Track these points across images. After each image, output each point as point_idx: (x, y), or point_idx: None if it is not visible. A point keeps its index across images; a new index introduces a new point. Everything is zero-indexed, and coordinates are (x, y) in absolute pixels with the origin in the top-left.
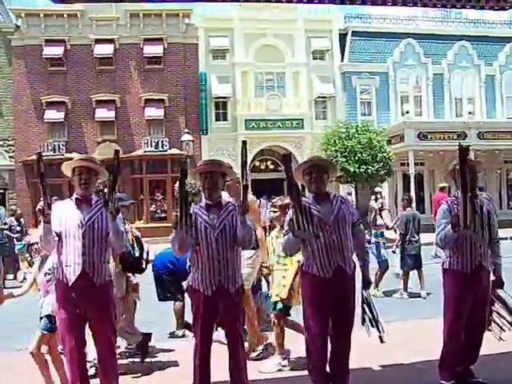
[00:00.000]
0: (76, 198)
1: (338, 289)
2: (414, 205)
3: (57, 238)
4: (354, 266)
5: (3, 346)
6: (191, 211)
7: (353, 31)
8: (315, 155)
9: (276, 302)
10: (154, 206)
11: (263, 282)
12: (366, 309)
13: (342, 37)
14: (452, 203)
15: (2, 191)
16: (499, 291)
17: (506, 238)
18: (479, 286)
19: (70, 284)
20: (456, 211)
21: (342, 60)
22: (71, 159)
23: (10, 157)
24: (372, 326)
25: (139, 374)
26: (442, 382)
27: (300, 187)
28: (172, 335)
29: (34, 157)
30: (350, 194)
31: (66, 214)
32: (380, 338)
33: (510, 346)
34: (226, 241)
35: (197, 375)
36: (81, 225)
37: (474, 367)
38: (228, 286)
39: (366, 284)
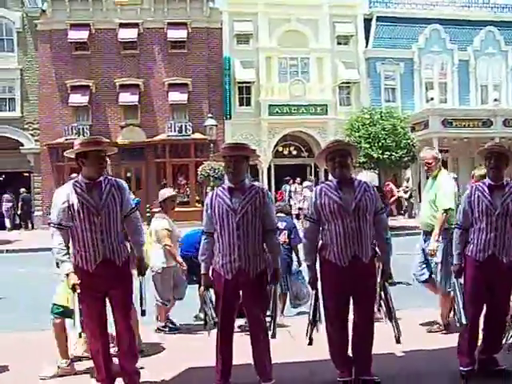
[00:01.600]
0: (86, 183)
1: (354, 277)
2: None
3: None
4: (373, 255)
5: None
6: (214, 194)
7: (377, 16)
8: (336, 139)
9: None
10: (176, 190)
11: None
12: (383, 301)
13: (367, 22)
14: (476, 189)
15: (27, 174)
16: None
17: None
18: (494, 275)
19: (91, 270)
20: (476, 197)
21: (367, 46)
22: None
23: (36, 140)
24: (390, 319)
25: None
26: (461, 368)
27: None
28: (196, 318)
29: (59, 140)
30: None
31: (75, 201)
32: (396, 338)
33: None
34: (248, 226)
35: (219, 358)
36: (96, 211)
37: (498, 356)
38: (248, 271)
39: (385, 275)
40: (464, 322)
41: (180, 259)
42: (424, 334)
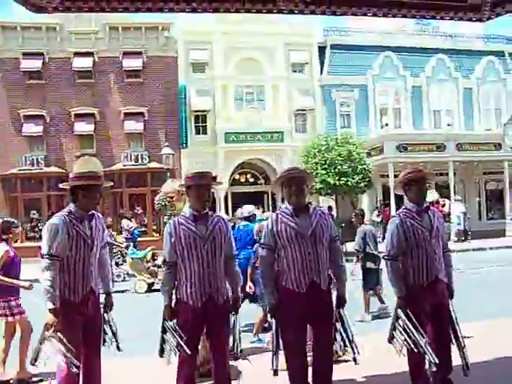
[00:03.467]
0: (82, 214)
1: (312, 304)
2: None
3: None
4: (330, 282)
5: None
6: (176, 223)
7: (332, 44)
8: (291, 167)
9: None
10: (133, 220)
11: None
12: (340, 328)
13: (322, 50)
14: (405, 216)
15: None
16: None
17: (484, 249)
18: (439, 297)
19: (77, 301)
20: (409, 225)
21: (321, 73)
22: (50, 173)
23: None
24: (345, 345)
25: None
26: None
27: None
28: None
29: (13, 170)
30: (330, 208)
31: (64, 233)
32: (354, 359)
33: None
34: (216, 252)
35: None
36: (87, 243)
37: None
38: (218, 298)
39: (341, 302)
40: (437, 361)
41: None
42: (384, 359)
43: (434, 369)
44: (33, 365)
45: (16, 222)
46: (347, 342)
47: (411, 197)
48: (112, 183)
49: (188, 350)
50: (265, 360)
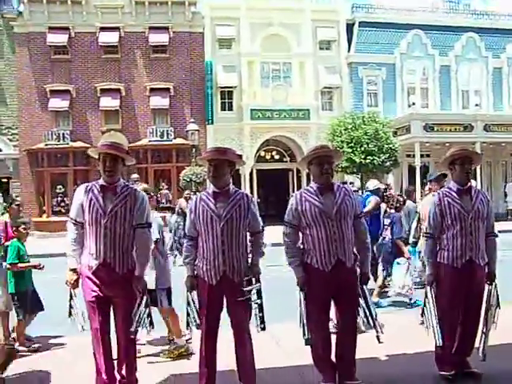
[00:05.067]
0: (101, 185)
1: (337, 282)
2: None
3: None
4: (355, 260)
5: None
6: (198, 199)
7: (360, 22)
8: (320, 144)
9: None
10: (158, 195)
11: None
12: (363, 304)
13: (349, 27)
14: (444, 195)
15: (5, 180)
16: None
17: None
18: (472, 280)
19: (91, 271)
20: (446, 204)
21: (349, 51)
22: (76, 148)
23: (14, 146)
24: (368, 323)
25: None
26: (442, 372)
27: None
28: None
29: (39, 145)
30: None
31: (89, 202)
32: (377, 337)
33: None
34: (232, 231)
35: (203, 365)
36: (103, 214)
37: (469, 359)
38: (233, 277)
39: (364, 279)
40: (440, 343)
41: None
42: (407, 336)
43: (439, 344)
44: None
45: (27, 222)
46: (370, 320)
47: (454, 176)
48: (135, 160)
49: (199, 323)
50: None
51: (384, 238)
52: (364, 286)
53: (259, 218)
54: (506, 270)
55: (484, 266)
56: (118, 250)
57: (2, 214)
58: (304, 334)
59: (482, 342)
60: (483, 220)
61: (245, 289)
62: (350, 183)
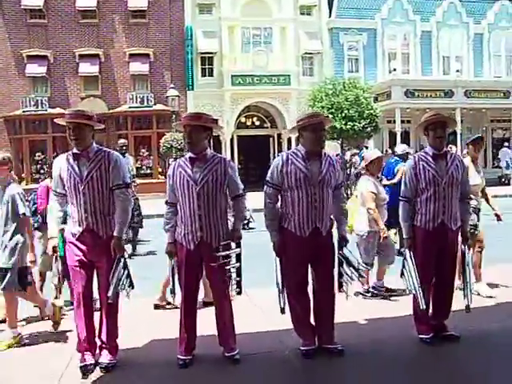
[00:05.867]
0: (73, 153)
1: (313, 247)
2: None
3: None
4: (331, 227)
5: None
6: (176, 164)
7: None
8: (312, 112)
9: None
10: (139, 162)
11: None
12: (347, 269)
13: None
14: (419, 160)
15: None
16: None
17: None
18: (444, 243)
19: (75, 237)
20: (421, 168)
21: (330, 16)
22: (55, 114)
23: None
24: (352, 279)
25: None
26: (421, 335)
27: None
28: None
29: (17, 112)
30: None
31: (66, 171)
32: (360, 275)
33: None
34: (209, 196)
35: (183, 329)
36: (80, 181)
37: (447, 322)
38: (211, 241)
39: (343, 242)
40: (424, 306)
41: (382, 225)
42: (388, 300)
43: (423, 308)
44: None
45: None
46: (355, 276)
47: (429, 141)
48: (103, 126)
49: (185, 292)
50: None
51: None
52: (344, 248)
53: (239, 182)
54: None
55: (457, 230)
56: (100, 215)
57: (45, 178)
58: (279, 303)
59: (467, 295)
60: (457, 185)
61: (221, 253)
62: (366, 147)
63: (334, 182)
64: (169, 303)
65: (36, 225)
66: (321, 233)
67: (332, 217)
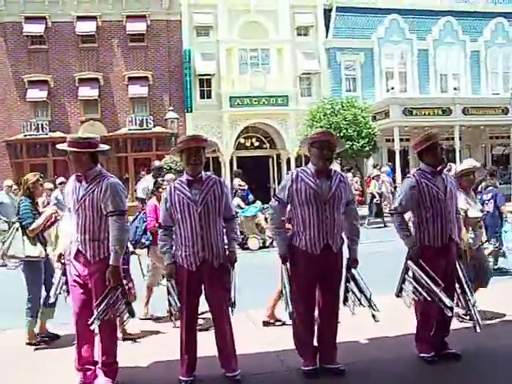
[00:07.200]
0: (76, 175)
1: (323, 266)
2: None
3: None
4: (341, 245)
5: None
6: (171, 188)
7: (337, 7)
8: (324, 130)
9: None
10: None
11: None
12: (354, 288)
13: (327, 12)
14: (420, 177)
15: None
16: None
17: None
18: (447, 260)
19: (71, 256)
20: (424, 185)
21: (327, 36)
22: (55, 138)
23: None
24: (361, 304)
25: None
26: (422, 354)
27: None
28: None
29: (18, 136)
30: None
31: (70, 191)
32: (373, 316)
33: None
34: (209, 216)
35: (183, 351)
36: (76, 202)
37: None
38: (212, 261)
39: (352, 263)
40: (453, 305)
41: (469, 243)
42: (389, 319)
43: (450, 314)
44: None
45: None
46: (363, 301)
47: (427, 160)
48: (108, 147)
49: (178, 309)
50: None
51: (488, 211)
52: (353, 269)
53: (231, 204)
54: None
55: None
56: (89, 239)
57: (149, 198)
58: (287, 308)
59: (473, 312)
60: (455, 199)
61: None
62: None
63: (345, 199)
64: (278, 320)
65: (147, 242)
66: (332, 251)
67: (344, 235)
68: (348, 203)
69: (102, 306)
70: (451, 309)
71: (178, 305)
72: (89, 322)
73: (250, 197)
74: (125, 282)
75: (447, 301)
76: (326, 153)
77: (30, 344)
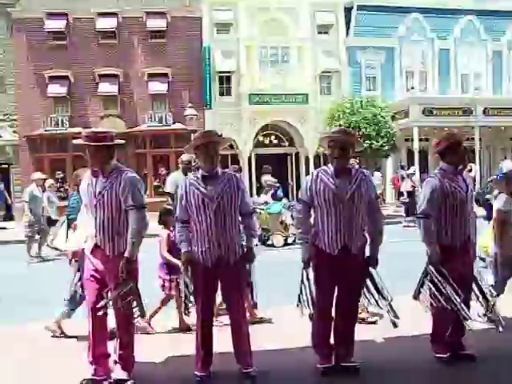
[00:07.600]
0: (92, 171)
1: (342, 266)
2: None
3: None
4: (362, 245)
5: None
6: (187, 184)
7: (358, 5)
8: (343, 128)
9: None
10: (157, 180)
11: None
12: (372, 289)
13: (347, 11)
14: (443, 177)
15: (5, 166)
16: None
17: None
18: (464, 260)
19: (90, 251)
20: (447, 186)
21: (347, 35)
22: (75, 134)
23: (14, 131)
24: (379, 306)
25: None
26: (438, 355)
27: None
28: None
29: (38, 131)
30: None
31: (87, 187)
32: (393, 322)
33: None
34: (225, 212)
35: (200, 347)
36: (93, 198)
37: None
38: (229, 258)
39: (372, 263)
40: (471, 317)
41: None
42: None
43: (468, 327)
44: None
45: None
46: (381, 303)
47: (448, 160)
48: (123, 142)
49: (192, 304)
50: None
51: None
52: (372, 270)
53: (248, 200)
54: None
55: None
56: (107, 233)
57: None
58: (308, 308)
59: (491, 311)
60: (472, 201)
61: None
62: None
63: (367, 197)
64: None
65: None
66: (351, 252)
67: (366, 234)
68: (371, 201)
69: (114, 293)
70: (469, 319)
71: (191, 298)
72: (98, 306)
73: (280, 193)
74: (174, 276)
75: (465, 312)
76: (337, 152)
77: (50, 331)
